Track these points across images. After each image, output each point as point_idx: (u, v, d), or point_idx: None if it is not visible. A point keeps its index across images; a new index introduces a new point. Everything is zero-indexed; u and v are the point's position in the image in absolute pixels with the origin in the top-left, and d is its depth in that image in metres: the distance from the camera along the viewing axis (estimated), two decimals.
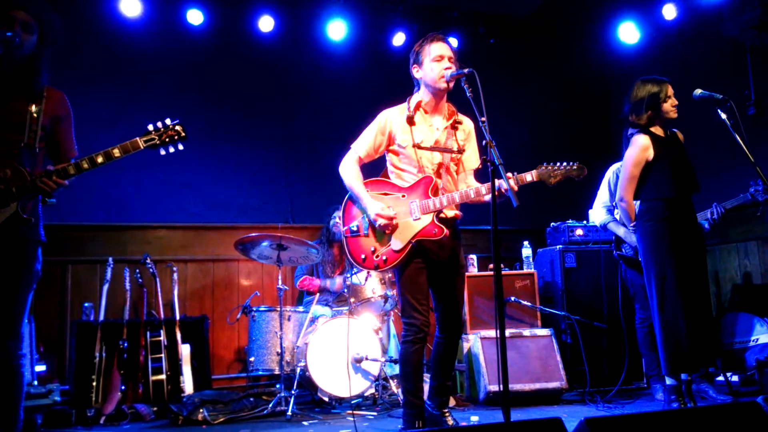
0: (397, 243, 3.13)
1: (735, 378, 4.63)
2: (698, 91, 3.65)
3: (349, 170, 3.27)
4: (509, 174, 2.91)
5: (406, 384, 3.20)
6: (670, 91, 3.77)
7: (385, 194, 3.23)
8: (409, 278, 3.15)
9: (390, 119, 3.25)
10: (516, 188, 2.93)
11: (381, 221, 3.11)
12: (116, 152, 2.69)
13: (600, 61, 6.69)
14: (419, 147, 3.18)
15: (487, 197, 3.13)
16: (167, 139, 2.76)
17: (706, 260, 3.83)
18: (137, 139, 2.74)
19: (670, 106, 3.75)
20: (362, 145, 3.28)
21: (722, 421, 2.01)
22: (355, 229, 3.24)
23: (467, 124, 3.37)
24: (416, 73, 3.27)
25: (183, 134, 2.79)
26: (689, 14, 5.77)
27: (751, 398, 2.07)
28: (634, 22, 6.25)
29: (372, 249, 3.18)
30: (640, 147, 3.78)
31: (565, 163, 3.08)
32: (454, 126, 3.28)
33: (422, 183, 3.17)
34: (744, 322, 4.85)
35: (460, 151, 3.26)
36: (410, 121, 3.21)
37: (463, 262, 3.35)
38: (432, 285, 3.25)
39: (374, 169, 3.41)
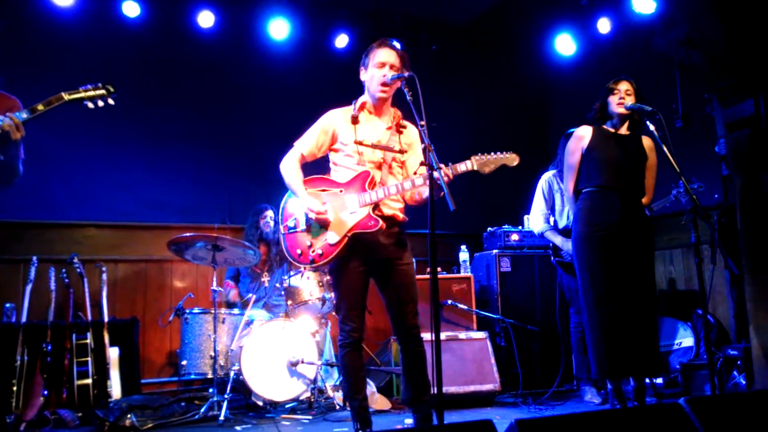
0: (332, 236, 3.11)
1: (659, 380, 4.80)
2: (629, 103, 3.75)
3: (288, 168, 3.26)
4: (441, 165, 2.83)
5: (343, 387, 3.18)
6: (621, 85, 3.76)
7: (324, 190, 3.22)
8: (345, 282, 3.14)
9: (333, 119, 3.26)
10: (451, 178, 2.91)
11: (311, 215, 3.11)
12: (39, 107, 2.61)
13: (538, 70, 6.85)
14: (360, 144, 3.19)
15: (426, 193, 3.11)
16: (94, 94, 2.73)
17: (651, 262, 3.70)
18: (62, 93, 2.67)
19: (616, 99, 3.75)
20: (305, 144, 3.27)
21: (646, 422, 2.07)
22: (292, 225, 3.23)
23: (412, 129, 3.37)
24: (362, 75, 3.28)
25: (111, 89, 2.77)
26: (622, 29, 5.96)
27: (674, 400, 2.15)
28: (570, 34, 6.42)
29: (308, 244, 3.16)
30: (574, 137, 3.87)
31: (498, 152, 3.12)
32: (399, 130, 3.29)
33: (359, 177, 3.17)
34: (668, 326, 5.05)
35: (402, 151, 3.26)
36: (354, 120, 3.22)
37: (408, 264, 3.23)
38: (379, 289, 3.23)
39: (318, 169, 3.38)
